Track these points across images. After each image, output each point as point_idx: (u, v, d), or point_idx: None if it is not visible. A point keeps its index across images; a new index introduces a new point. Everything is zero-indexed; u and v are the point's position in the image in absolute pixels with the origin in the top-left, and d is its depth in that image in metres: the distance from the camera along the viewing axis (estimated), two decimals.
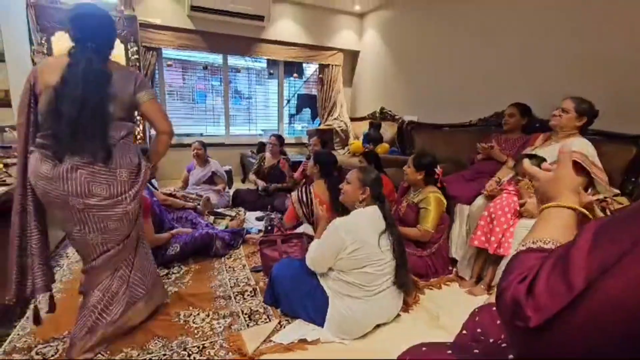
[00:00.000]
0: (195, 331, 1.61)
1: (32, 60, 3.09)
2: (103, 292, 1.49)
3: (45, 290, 1.49)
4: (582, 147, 1.91)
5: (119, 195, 1.41)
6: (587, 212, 0.59)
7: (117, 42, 3.39)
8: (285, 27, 4.81)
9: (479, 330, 0.90)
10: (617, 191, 2.01)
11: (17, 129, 1.45)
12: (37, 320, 1.53)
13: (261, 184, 3.53)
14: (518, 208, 1.94)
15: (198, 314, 1.74)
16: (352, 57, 5.44)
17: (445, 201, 2.17)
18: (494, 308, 0.94)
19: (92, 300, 1.48)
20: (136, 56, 3.48)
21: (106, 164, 1.36)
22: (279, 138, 3.62)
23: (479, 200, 2.24)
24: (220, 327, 1.65)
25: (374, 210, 1.67)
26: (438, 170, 2.19)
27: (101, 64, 1.39)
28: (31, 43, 3.09)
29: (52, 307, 1.58)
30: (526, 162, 0.72)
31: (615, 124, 2.20)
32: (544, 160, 1.97)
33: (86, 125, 1.32)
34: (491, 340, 0.83)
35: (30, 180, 1.37)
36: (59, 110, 1.31)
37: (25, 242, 1.42)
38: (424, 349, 0.81)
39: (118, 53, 3.48)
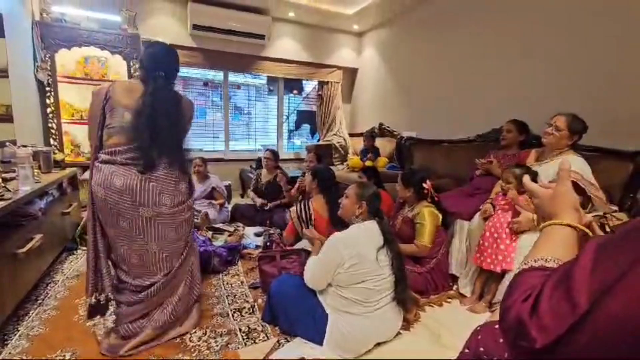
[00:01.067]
0: (192, 350, 1.58)
1: (35, 77, 3.14)
2: (179, 296, 1.65)
3: (111, 290, 1.60)
4: (578, 166, 1.92)
5: (180, 204, 1.60)
6: (587, 230, 0.59)
7: (120, 59, 3.52)
8: (286, 45, 4.91)
9: (481, 349, 0.89)
10: (615, 208, 2.02)
11: (91, 141, 1.63)
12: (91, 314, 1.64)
13: (259, 201, 3.51)
14: (511, 225, 1.93)
15: (195, 332, 1.70)
16: (351, 74, 5.54)
17: (439, 215, 2.17)
18: (497, 326, 0.92)
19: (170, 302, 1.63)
20: (138, 73, 3.53)
21: (171, 174, 1.56)
22: (273, 152, 3.62)
23: (478, 216, 2.24)
24: (217, 345, 1.62)
25: (372, 226, 1.66)
26: (427, 185, 2.19)
27: (173, 91, 1.63)
28: (35, 60, 3.14)
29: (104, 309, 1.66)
30: (526, 179, 0.72)
31: (612, 141, 2.23)
32: (537, 174, 1.99)
33: (170, 141, 1.55)
34: (495, 359, 0.81)
35: (96, 191, 1.50)
36: (146, 127, 1.48)
37: (99, 246, 1.58)
38: None
39: (121, 70, 3.55)
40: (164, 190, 1.53)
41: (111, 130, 1.51)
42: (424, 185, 2.19)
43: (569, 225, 0.57)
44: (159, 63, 1.59)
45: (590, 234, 0.61)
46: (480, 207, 2.22)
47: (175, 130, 1.57)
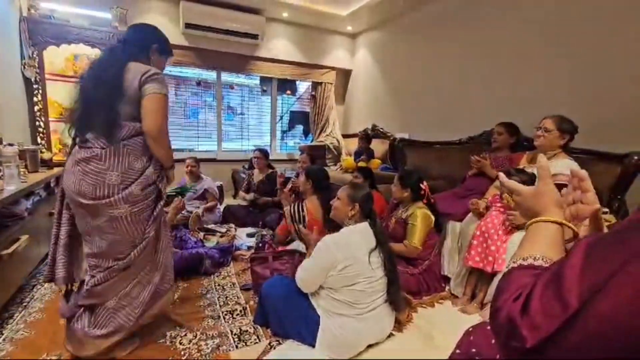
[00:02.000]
0: (182, 353, 1.55)
1: (22, 74, 3.07)
2: (120, 297, 1.46)
3: (63, 283, 1.49)
4: (569, 167, 1.93)
5: (105, 197, 1.35)
6: (573, 227, 0.60)
7: None
8: (279, 45, 4.90)
9: (473, 349, 0.89)
10: (605, 209, 2.05)
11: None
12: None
13: (250, 195, 3.52)
14: (507, 223, 1.94)
15: (185, 335, 1.68)
16: (344, 75, 5.55)
17: (432, 217, 2.18)
18: (488, 327, 0.92)
19: (109, 304, 1.46)
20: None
21: (100, 162, 1.35)
22: (263, 152, 3.63)
23: (471, 218, 2.25)
24: (208, 348, 1.59)
25: (364, 228, 1.66)
26: (424, 186, 2.21)
27: (123, 60, 1.41)
28: (22, 57, 3.08)
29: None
30: (501, 176, 0.72)
31: (601, 143, 2.27)
32: (534, 176, 2.00)
33: (91, 117, 1.38)
34: None
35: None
36: (81, 97, 1.41)
37: (57, 231, 1.49)
38: None
39: None
40: (85, 177, 1.34)
41: None
42: (421, 186, 2.20)
43: (556, 222, 0.57)
44: (127, 40, 1.53)
45: (576, 230, 0.61)
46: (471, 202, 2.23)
47: (107, 98, 1.36)
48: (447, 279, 2.30)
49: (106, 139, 1.36)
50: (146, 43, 1.56)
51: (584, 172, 0.63)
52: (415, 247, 2.10)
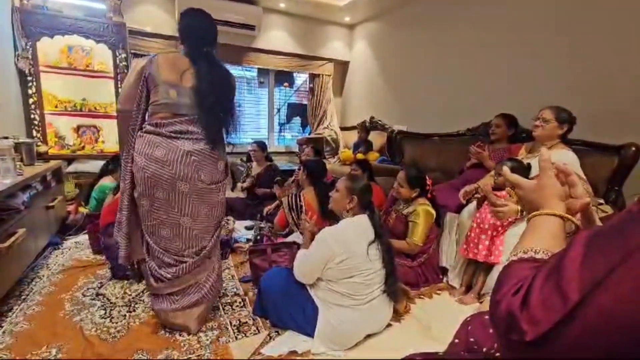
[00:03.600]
0: (182, 344, 1.56)
1: (16, 66, 3.03)
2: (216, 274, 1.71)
3: (125, 261, 1.67)
4: (565, 158, 1.93)
5: (216, 183, 1.62)
6: (575, 220, 0.60)
7: (105, 49, 3.41)
8: (277, 36, 4.84)
9: (471, 339, 0.90)
10: (601, 200, 2.06)
11: (120, 115, 1.62)
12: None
13: (245, 183, 3.56)
14: (493, 212, 1.92)
15: None
16: (342, 67, 5.51)
17: (434, 213, 2.17)
18: (486, 317, 0.93)
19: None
20: (124, 63, 3.44)
21: (213, 151, 1.59)
22: (260, 144, 3.63)
23: (468, 209, 2.26)
24: (207, 339, 1.60)
25: (363, 220, 1.66)
26: (429, 182, 2.22)
27: (222, 65, 1.63)
28: (15, 48, 3.03)
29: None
30: (506, 169, 0.71)
31: (599, 135, 2.27)
32: (529, 166, 2.01)
33: (220, 119, 1.59)
34: (484, 349, 0.82)
35: (136, 160, 1.51)
36: (201, 103, 1.52)
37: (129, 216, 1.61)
38: (417, 359, 0.80)
39: (106, 60, 3.45)
40: (203, 166, 1.55)
41: (156, 107, 1.53)
42: (427, 182, 2.20)
43: (557, 215, 0.57)
44: (204, 38, 1.58)
45: (578, 223, 0.61)
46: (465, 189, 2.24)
47: (229, 106, 1.63)
48: (444, 270, 2.32)
49: (220, 150, 1.67)
50: (217, 39, 1.69)
51: (567, 168, 0.64)
52: (417, 244, 2.10)
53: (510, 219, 1.90)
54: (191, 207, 1.56)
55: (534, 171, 1.97)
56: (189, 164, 1.51)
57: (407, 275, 2.09)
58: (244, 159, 4.53)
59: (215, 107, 1.55)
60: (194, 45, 1.59)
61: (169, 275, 1.58)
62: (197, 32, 1.59)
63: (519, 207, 1.81)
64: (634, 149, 2.06)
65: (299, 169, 3.25)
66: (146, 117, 1.57)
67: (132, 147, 1.54)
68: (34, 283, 2.06)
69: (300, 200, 2.32)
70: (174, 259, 1.58)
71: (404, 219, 2.19)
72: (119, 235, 1.64)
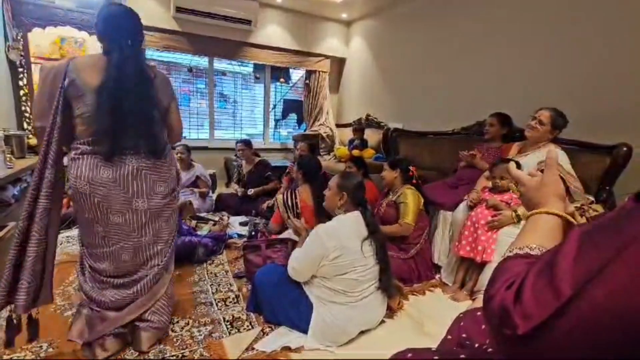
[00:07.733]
0: (175, 339, 1.56)
1: (7, 57, 2.97)
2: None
3: (24, 311, 1.31)
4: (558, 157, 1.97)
5: (171, 193, 1.52)
6: (573, 220, 0.60)
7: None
8: (273, 32, 4.81)
9: (464, 335, 0.90)
10: (592, 199, 2.09)
11: (37, 133, 1.41)
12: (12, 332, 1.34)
13: (240, 190, 3.50)
14: (492, 219, 1.97)
15: (177, 322, 1.68)
16: (338, 64, 5.49)
17: (421, 197, 2.25)
18: (479, 313, 0.94)
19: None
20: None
21: (164, 160, 1.46)
22: (245, 142, 3.59)
23: (462, 207, 2.27)
24: (200, 335, 1.60)
25: (356, 216, 1.66)
26: (412, 168, 2.32)
27: (144, 64, 1.42)
28: (6, 39, 2.97)
29: (17, 328, 1.34)
30: (511, 164, 0.72)
31: (591, 135, 2.29)
32: (520, 164, 2.03)
33: (139, 125, 1.36)
34: (477, 345, 0.83)
35: (79, 187, 1.33)
36: (112, 111, 1.30)
37: (22, 253, 1.28)
38: (409, 354, 0.80)
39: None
40: (158, 178, 1.45)
41: (85, 119, 1.32)
42: (410, 168, 2.29)
43: (556, 214, 0.58)
44: (121, 29, 1.37)
45: (576, 223, 0.61)
46: (465, 197, 2.25)
47: (149, 110, 1.38)
48: (438, 267, 2.34)
49: (157, 158, 1.48)
50: (143, 37, 1.52)
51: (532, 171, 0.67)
52: (409, 224, 2.15)
53: (506, 225, 1.94)
54: (152, 224, 1.46)
55: (525, 170, 1.99)
56: (143, 179, 1.39)
57: (401, 268, 2.11)
58: (238, 154, 4.51)
59: (125, 112, 1.33)
60: (112, 39, 1.37)
61: (121, 296, 1.44)
62: (115, 24, 1.38)
63: (512, 213, 1.89)
64: (625, 149, 2.08)
65: (293, 163, 3.25)
66: (74, 133, 1.35)
67: (52, 168, 1.29)
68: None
69: (295, 198, 2.31)
70: (135, 277, 1.47)
71: (394, 205, 2.26)
72: (22, 275, 1.27)
